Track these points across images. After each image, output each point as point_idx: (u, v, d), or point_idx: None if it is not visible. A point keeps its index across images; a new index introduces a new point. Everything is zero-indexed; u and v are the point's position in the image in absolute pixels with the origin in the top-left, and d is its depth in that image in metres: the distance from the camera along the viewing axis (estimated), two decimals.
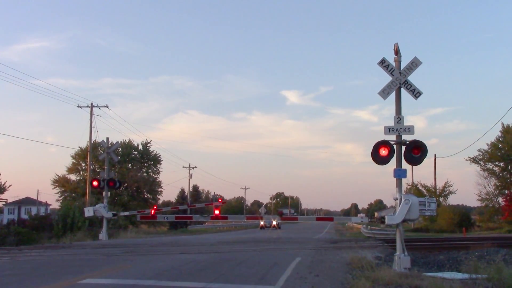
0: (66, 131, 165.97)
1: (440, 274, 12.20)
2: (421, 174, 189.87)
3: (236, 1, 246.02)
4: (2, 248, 22.74)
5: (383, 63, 13.76)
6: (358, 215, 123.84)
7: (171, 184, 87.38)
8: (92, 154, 47.66)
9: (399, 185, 13.42)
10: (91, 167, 49.12)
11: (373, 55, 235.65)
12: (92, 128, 44.91)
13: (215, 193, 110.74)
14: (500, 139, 51.23)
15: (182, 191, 77.20)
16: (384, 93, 13.65)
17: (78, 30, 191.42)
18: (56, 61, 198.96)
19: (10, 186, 54.32)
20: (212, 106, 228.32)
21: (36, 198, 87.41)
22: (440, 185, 57.96)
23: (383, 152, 13.26)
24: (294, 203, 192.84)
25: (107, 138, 32.68)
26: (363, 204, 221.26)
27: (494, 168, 52.84)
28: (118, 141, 51.47)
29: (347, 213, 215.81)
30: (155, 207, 36.03)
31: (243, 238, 34.93)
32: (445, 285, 10.28)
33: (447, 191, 57.17)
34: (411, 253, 15.03)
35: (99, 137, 61.83)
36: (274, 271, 12.66)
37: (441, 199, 55.11)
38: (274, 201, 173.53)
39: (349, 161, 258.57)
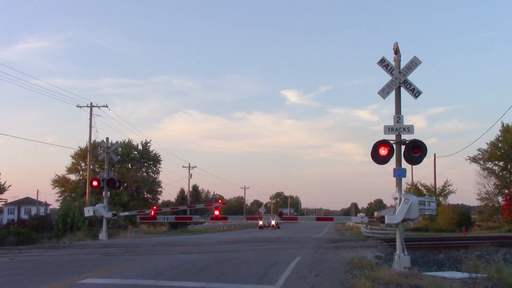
0: (66, 131, 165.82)
1: (440, 274, 12.22)
2: (420, 173, 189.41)
3: (236, 1, 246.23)
4: (2, 248, 22.74)
5: (383, 62, 13.76)
6: (358, 214, 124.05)
7: (171, 184, 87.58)
8: (92, 154, 47.67)
9: (398, 184, 13.43)
10: (91, 167, 49.13)
11: (372, 54, 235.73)
12: (92, 128, 45.01)
13: (215, 193, 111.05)
14: (500, 139, 51.27)
15: (182, 191, 77.25)
16: (384, 92, 13.65)
17: (77, 30, 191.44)
18: (55, 61, 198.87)
19: (10, 186, 54.56)
20: (212, 106, 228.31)
21: (36, 198, 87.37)
22: (439, 184, 57.98)
23: (383, 151, 13.26)
24: (294, 202, 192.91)
25: (107, 138, 32.69)
26: (363, 204, 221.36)
27: (494, 168, 52.93)
28: (117, 141, 51.47)
29: (346, 212, 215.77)
30: (155, 207, 35.95)
31: (243, 237, 34.95)
32: (445, 284, 10.28)
33: (447, 191, 57.15)
34: (411, 252, 15.03)
35: (98, 137, 62.00)
36: (274, 271, 12.66)
37: (440, 199, 55.05)
38: (274, 201, 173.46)
39: (349, 160, 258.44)
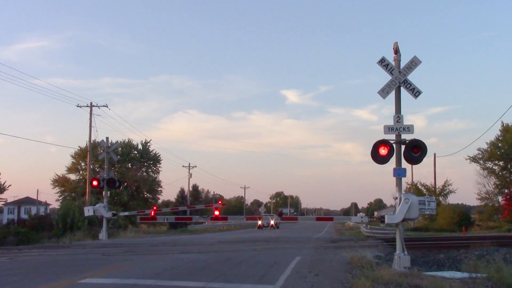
0: (66, 130, 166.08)
1: (440, 273, 12.21)
2: (420, 173, 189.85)
3: (236, 1, 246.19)
4: (2, 248, 22.74)
5: (383, 62, 13.76)
6: (358, 214, 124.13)
7: (170, 183, 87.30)
8: (92, 154, 47.64)
9: (398, 184, 13.43)
10: (91, 167, 49.11)
11: (372, 54, 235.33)
12: (92, 127, 44.98)
13: (215, 193, 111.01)
14: (500, 138, 51.31)
15: (182, 191, 77.27)
16: (384, 92, 13.65)
17: (77, 30, 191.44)
18: (55, 60, 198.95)
19: (10, 185, 54.43)
20: (212, 106, 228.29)
21: (36, 198, 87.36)
22: (439, 184, 57.98)
23: (383, 151, 13.26)
24: (294, 202, 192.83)
25: (107, 138, 32.70)
26: (362, 203, 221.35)
27: (494, 167, 52.97)
28: (117, 141, 51.42)
29: (346, 212, 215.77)
30: (155, 207, 35.97)
31: (243, 237, 34.95)
32: (445, 284, 10.27)
33: (447, 190, 57.14)
34: (411, 252, 15.04)
35: (98, 136, 62.05)
36: (274, 270, 12.67)
37: (440, 198, 55.05)
38: (273, 201, 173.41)
39: (348, 160, 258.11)
